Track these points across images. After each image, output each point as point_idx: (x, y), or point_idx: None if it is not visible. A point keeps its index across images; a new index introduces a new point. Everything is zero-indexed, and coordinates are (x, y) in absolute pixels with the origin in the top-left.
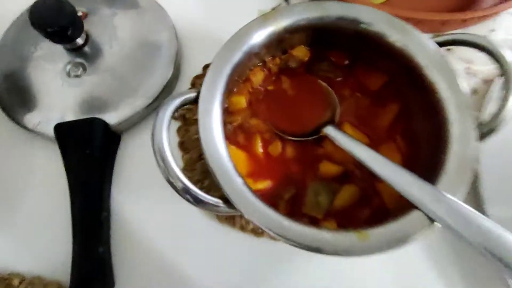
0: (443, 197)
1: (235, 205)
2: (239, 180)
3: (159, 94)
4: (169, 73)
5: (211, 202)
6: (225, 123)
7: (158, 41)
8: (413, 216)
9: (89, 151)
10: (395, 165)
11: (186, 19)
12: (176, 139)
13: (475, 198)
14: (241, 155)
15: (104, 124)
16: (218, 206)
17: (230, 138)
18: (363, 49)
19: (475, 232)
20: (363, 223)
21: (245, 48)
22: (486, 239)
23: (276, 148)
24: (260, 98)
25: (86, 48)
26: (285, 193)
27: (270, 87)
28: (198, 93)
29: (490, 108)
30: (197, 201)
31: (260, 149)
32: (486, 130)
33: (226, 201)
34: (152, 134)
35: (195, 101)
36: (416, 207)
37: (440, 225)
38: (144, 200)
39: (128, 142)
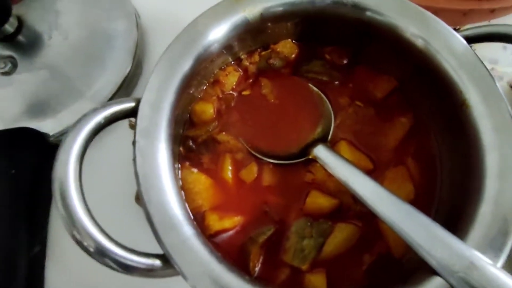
0: (479, 261)
1: (178, 268)
2: (188, 231)
3: (113, 95)
4: (126, 70)
5: (141, 266)
6: (185, 139)
7: (113, 30)
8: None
9: (15, 170)
10: (405, 205)
11: (151, 4)
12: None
13: None
14: (204, 181)
15: (39, 135)
16: (152, 271)
17: (191, 158)
18: (368, 44)
19: None
20: (362, 277)
21: (207, 41)
22: None
23: (251, 173)
24: (232, 106)
25: (19, 38)
26: (260, 235)
27: (245, 92)
28: (138, 103)
29: None
30: (122, 267)
31: (229, 174)
32: None
33: (166, 261)
34: (53, 170)
35: (131, 114)
36: (435, 273)
37: None
38: None
39: None
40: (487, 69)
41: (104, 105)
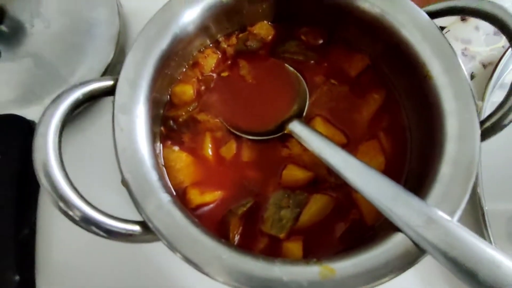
0: (436, 216)
1: (157, 232)
2: (164, 197)
3: None
4: (109, 57)
5: (122, 231)
6: (166, 119)
7: (94, 19)
8: (394, 242)
9: (2, 156)
10: (372, 171)
11: None
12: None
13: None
14: (185, 159)
15: (25, 121)
16: (132, 235)
17: (172, 138)
18: (340, 23)
19: (480, 268)
20: (337, 243)
21: (181, 21)
22: (498, 279)
23: (230, 149)
24: (211, 88)
25: (1, 28)
26: (239, 207)
27: (224, 74)
28: (116, 81)
29: (493, 97)
30: (105, 232)
31: (209, 152)
32: (490, 125)
33: (146, 227)
34: (33, 142)
35: (110, 93)
36: (398, 229)
37: (430, 255)
38: None
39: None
40: (447, 42)
41: (83, 82)
